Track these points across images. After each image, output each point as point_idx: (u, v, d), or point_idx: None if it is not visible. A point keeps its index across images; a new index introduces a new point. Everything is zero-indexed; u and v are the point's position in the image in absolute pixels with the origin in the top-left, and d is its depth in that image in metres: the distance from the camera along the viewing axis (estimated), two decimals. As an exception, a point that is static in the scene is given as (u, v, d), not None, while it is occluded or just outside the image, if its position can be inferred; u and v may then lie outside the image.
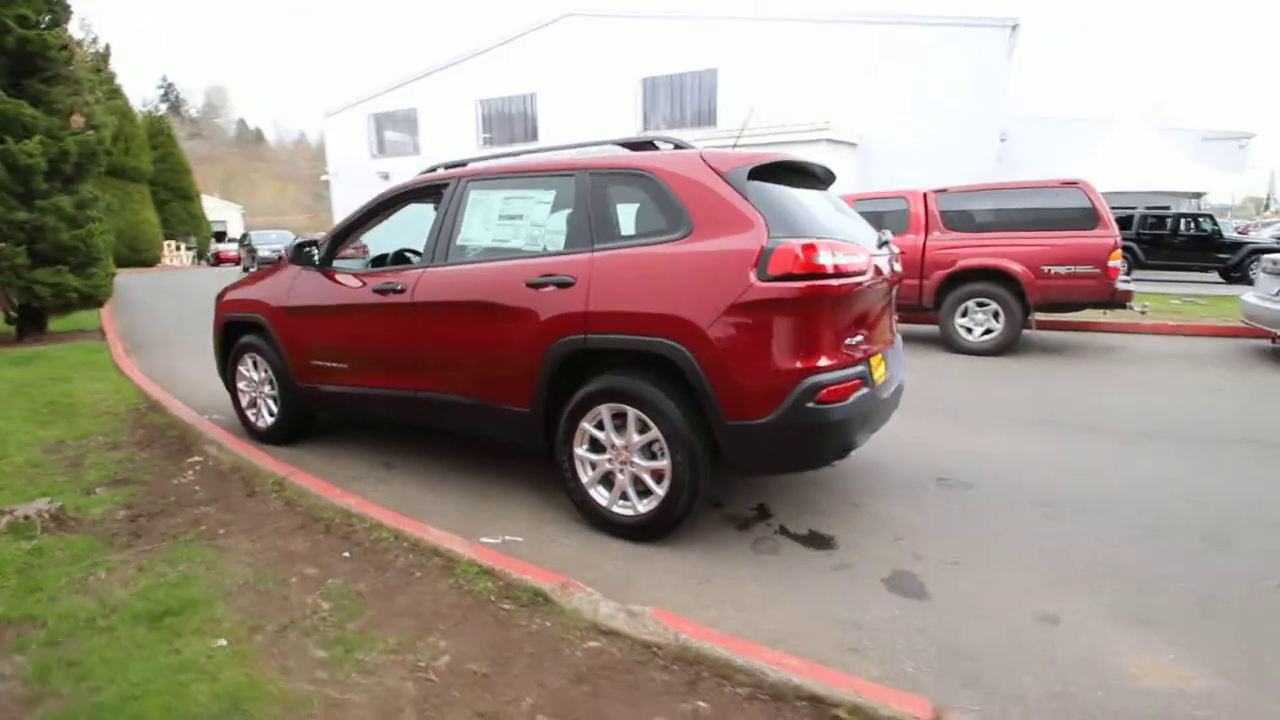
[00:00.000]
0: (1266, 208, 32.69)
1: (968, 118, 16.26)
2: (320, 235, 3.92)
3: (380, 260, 4.33)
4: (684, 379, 2.67)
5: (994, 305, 6.72)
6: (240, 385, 4.39)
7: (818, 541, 2.88)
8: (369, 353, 3.59)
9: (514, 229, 3.17)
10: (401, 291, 3.37)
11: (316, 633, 2.13)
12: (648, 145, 3.07)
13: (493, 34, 22.36)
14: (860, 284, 2.65)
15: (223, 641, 2.06)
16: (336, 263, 3.89)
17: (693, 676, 1.88)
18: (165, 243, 25.22)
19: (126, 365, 6.41)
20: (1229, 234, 14.76)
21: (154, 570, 2.57)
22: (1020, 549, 2.78)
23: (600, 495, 2.93)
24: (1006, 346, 6.73)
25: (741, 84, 18.48)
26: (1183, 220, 14.78)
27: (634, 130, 20.35)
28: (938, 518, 3.09)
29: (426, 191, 3.65)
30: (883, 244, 3.11)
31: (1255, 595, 2.40)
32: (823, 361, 2.55)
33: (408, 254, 4.49)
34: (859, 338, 2.73)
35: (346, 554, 2.67)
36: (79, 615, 2.23)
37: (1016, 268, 6.52)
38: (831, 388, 2.54)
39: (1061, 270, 6.35)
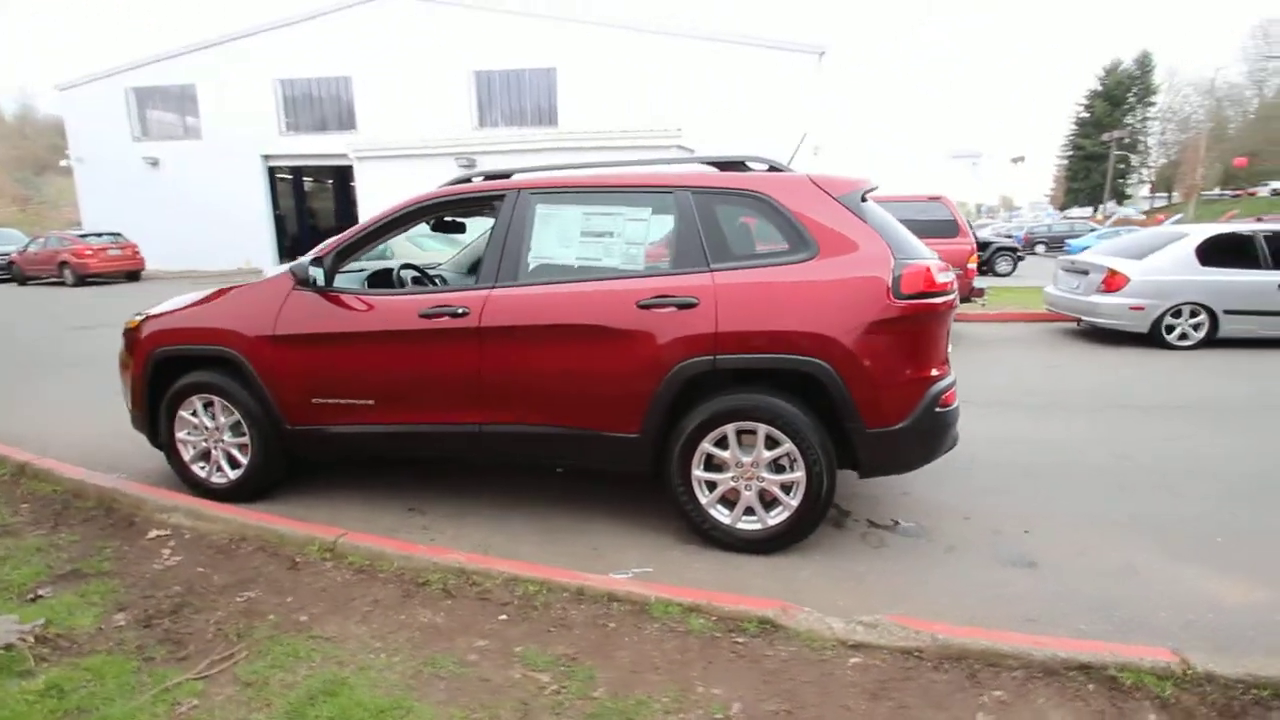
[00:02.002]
0: (978, 213, 41.11)
1: (782, 131, 18.12)
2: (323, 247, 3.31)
3: (382, 279, 3.78)
4: (813, 393, 2.81)
5: (880, 302, 7.72)
6: (181, 435, 3.54)
7: (908, 530, 3.19)
8: (412, 385, 3.14)
9: (604, 247, 3.01)
10: (463, 315, 3.02)
11: (568, 709, 1.90)
12: (738, 165, 3.11)
13: (297, 6, 19.79)
14: (955, 300, 2.99)
15: (481, 744, 1.76)
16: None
17: (968, 670, 2.04)
18: None
19: (-87, 419, 4.74)
20: (980, 235, 18.37)
21: (273, 683, 2.05)
22: (1057, 514, 3.34)
23: (721, 514, 2.94)
24: (892, 338, 7.78)
25: (581, 85, 18.62)
26: (949, 225, 18.06)
27: (469, 124, 19.49)
28: (973, 496, 3.58)
29: (468, 203, 3.29)
30: None
31: (1230, 526, 3.18)
32: (936, 371, 2.85)
33: (403, 273, 3.98)
34: (950, 348, 3.08)
35: (503, 616, 2.37)
36: (240, 758, 1.73)
37: (899, 270, 7.56)
38: (948, 392, 2.86)
39: (934, 272, 7.51)
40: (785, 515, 2.86)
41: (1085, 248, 22.55)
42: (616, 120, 17.34)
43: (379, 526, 3.23)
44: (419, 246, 10.33)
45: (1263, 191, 46.54)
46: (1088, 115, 55.93)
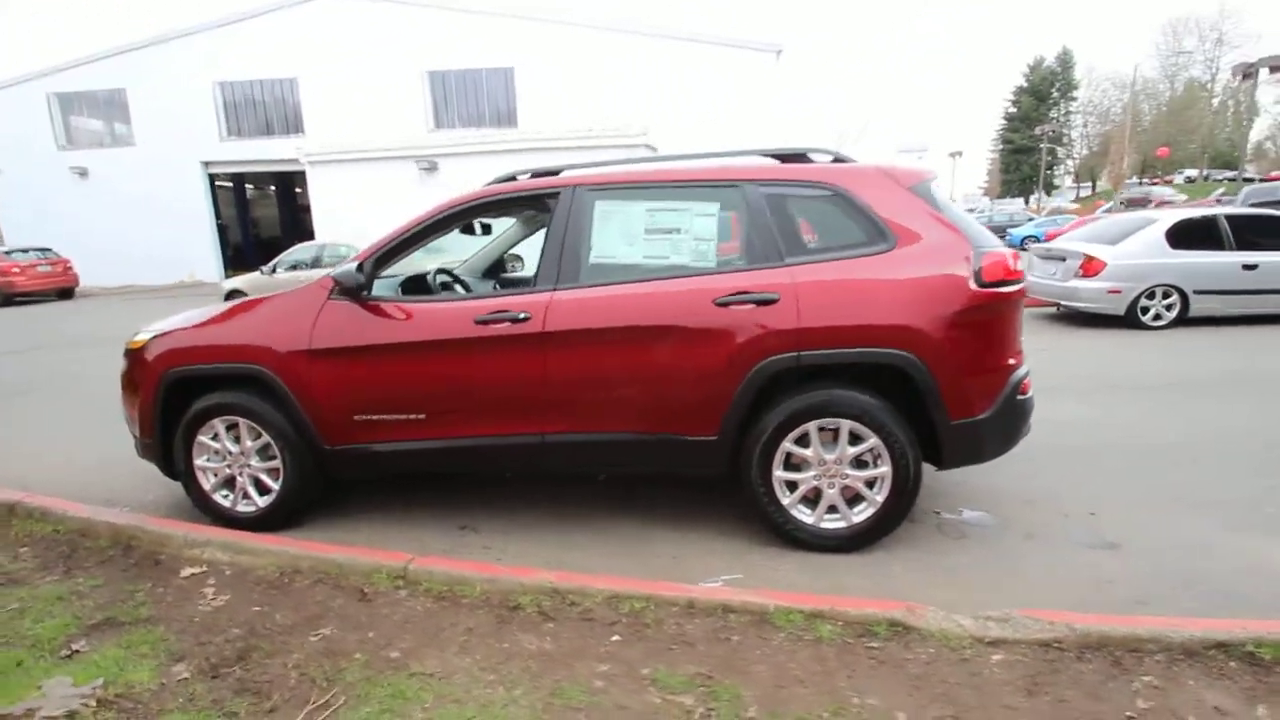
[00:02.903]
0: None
1: (743, 127, 18.29)
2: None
3: (417, 285, 3.55)
4: (891, 386, 2.77)
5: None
6: (200, 462, 3.26)
7: (979, 519, 3.19)
8: (468, 396, 2.96)
9: (672, 244, 2.90)
10: (525, 320, 2.85)
11: (727, 734, 1.79)
12: (800, 157, 3.04)
13: (235, 5, 18.79)
14: (1027, 288, 3.00)
15: (654, 780, 1.62)
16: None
17: (1111, 658, 2.02)
18: None
19: None
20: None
21: (387, 729, 1.87)
22: (1110, 494, 3.40)
23: (803, 514, 2.87)
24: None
25: (540, 86, 18.33)
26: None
27: (424, 125, 18.93)
28: (1024, 481, 3.61)
29: (518, 202, 3.12)
30: None
31: (1273, 496, 3.30)
32: (1013, 360, 2.84)
33: (439, 277, 3.77)
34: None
35: (616, 637, 2.23)
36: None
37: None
38: (1025, 379, 2.86)
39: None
40: (870, 512, 2.82)
41: (1026, 236, 23.62)
42: (579, 120, 17.14)
43: (434, 548, 3.04)
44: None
45: (1177, 179, 49.85)
46: (1015, 110, 58.76)
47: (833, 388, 2.77)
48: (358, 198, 16.14)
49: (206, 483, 3.28)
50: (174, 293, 18.90)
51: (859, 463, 2.81)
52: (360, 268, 2.98)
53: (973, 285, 2.67)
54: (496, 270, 4.56)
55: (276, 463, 3.18)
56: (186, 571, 2.85)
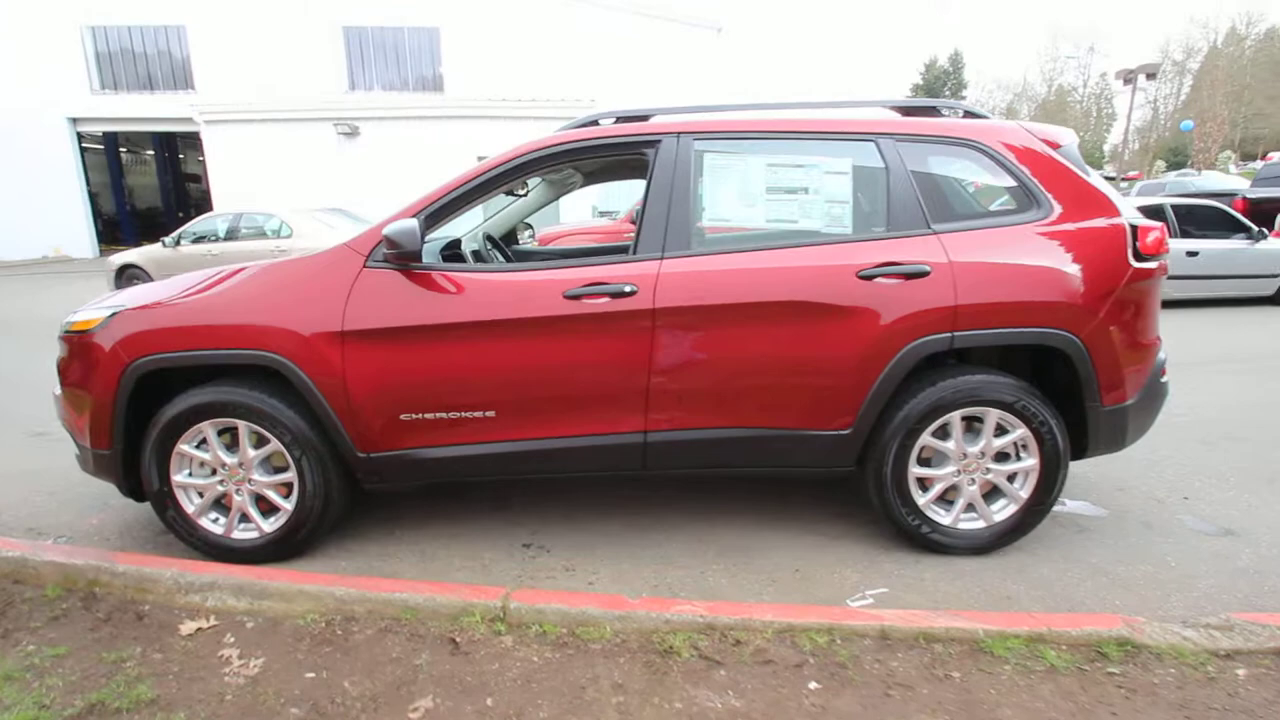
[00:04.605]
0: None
1: (681, 101, 17.89)
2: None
3: (452, 252, 2.92)
4: (1024, 369, 2.53)
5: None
6: (181, 478, 2.52)
7: (1083, 509, 3.02)
8: (554, 388, 2.42)
9: (800, 206, 2.47)
10: (630, 295, 2.35)
11: (1028, 808, 1.44)
12: (929, 110, 2.69)
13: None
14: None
15: None
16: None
17: (1359, 667, 1.85)
18: None
19: None
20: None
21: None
22: (1182, 474, 3.34)
23: (938, 514, 2.57)
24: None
25: (469, 50, 17.09)
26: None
27: (339, 86, 17.22)
28: (1094, 463, 3.48)
29: (607, 150, 2.57)
30: None
31: (1335, 472, 3.36)
32: (1157, 341, 2.65)
33: (477, 246, 3.15)
34: None
35: (814, 684, 1.82)
36: None
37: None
38: (1165, 362, 2.68)
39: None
40: (1012, 509, 2.55)
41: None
42: (510, 90, 16.12)
43: (500, 574, 2.50)
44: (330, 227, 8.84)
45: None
46: (913, 107, 62.13)
47: (968, 373, 2.48)
48: (264, 163, 14.45)
49: (190, 504, 2.54)
50: (37, 269, 16.26)
51: (999, 455, 2.53)
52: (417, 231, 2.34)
53: (1132, 260, 2.44)
54: (509, 241, 3.96)
55: (289, 475, 2.51)
56: (189, 627, 2.16)
